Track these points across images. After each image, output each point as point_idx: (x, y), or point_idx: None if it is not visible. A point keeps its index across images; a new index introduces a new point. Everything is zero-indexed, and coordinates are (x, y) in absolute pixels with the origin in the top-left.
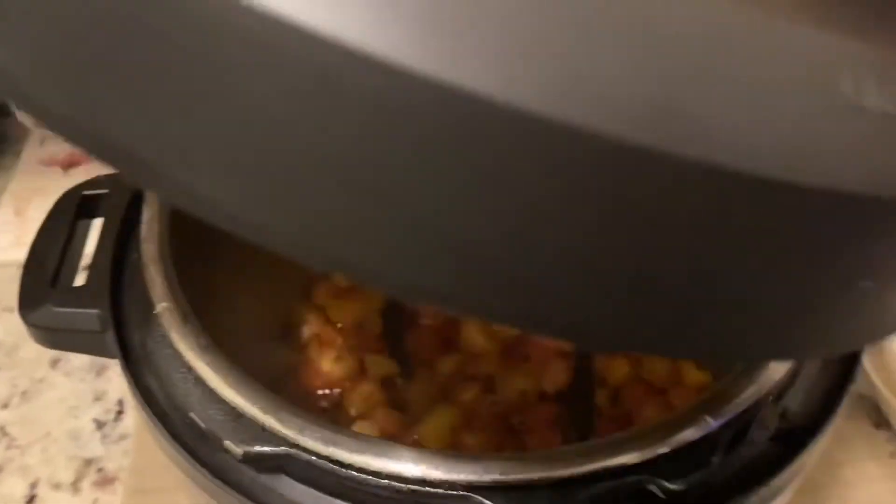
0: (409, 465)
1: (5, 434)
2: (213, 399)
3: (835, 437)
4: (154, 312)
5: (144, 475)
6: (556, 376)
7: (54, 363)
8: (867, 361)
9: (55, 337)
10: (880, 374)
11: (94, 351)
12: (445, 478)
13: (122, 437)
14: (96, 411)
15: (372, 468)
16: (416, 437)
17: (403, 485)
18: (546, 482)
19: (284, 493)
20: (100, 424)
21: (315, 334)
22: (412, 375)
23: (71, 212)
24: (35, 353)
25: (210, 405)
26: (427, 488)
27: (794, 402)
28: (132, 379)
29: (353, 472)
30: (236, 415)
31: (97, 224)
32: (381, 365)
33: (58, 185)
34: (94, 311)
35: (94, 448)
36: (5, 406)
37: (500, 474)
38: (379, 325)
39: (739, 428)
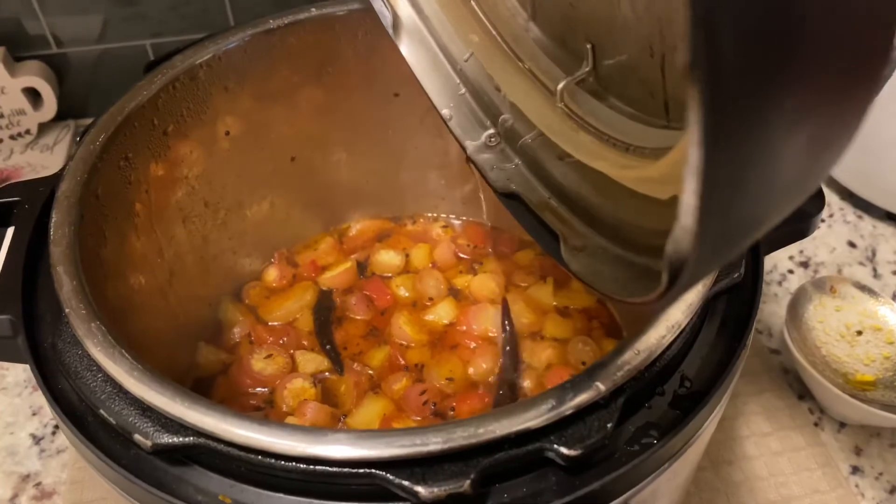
0: (311, 446)
1: None
2: (122, 395)
3: (762, 410)
4: (63, 314)
5: (83, 487)
6: (484, 364)
7: None
8: (788, 337)
9: None
10: (801, 348)
11: (6, 357)
12: (348, 456)
13: (60, 451)
14: (33, 426)
15: (277, 451)
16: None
17: (308, 466)
18: (446, 453)
19: (197, 483)
20: (37, 439)
21: (246, 334)
22: (343, 370)
23: None
24: None
25: (119, 401)
26: (332, 468)
27: (692, 368)
28: (42, 380)
29: (261, 458)
30: (143, 408)
31: (10, 232)
32: (311, 361)
33: None
34: (6, 316)
35: (32, 463)
36: None
37: (401, 448)
38: (310, 322)
39: (634, 393)
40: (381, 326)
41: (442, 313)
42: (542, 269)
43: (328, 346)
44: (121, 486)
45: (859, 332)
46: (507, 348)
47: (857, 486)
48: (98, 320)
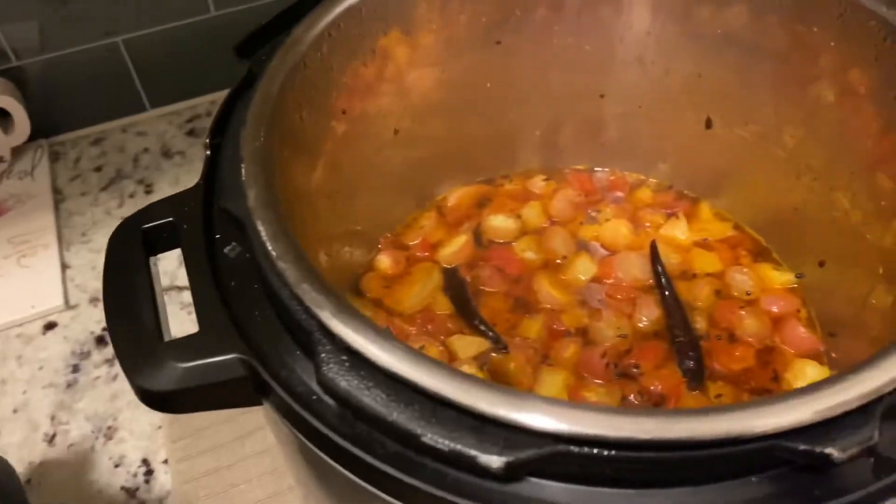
0: (713, 425)
1: None
2: (448, 413)
3: None
4: (334, 338)
5: None
6: (648, 313)
7: (50, 439)
8: None
9: (184, 399)
10: None
11: (233, 402)
12: (751, 431)
13: (161, 499)
14: (121, 479)
15: (668, 439)
16: None
17: (703, 451)
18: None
19: (536, 495)
20: (131, 492)
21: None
22: (507, 346)
23: (139, 250)
24: (23, 434)
25: (446, 422)
26: (732, 448)
27: None
28: (316, 419)
29: (632, 453)
30: (480, 423)
31: (168, 256)
32: (470, 344)
33: None
34: (232, 355)
35: None
36: None
37: (810, 415)
38: (446, 304)
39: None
40: (522, 295)
41: (581, 269)
42: (666, 205)
43: (482, 327)
44: None
45: None
46: (667, 293)
47: None
48: (386, 334)
